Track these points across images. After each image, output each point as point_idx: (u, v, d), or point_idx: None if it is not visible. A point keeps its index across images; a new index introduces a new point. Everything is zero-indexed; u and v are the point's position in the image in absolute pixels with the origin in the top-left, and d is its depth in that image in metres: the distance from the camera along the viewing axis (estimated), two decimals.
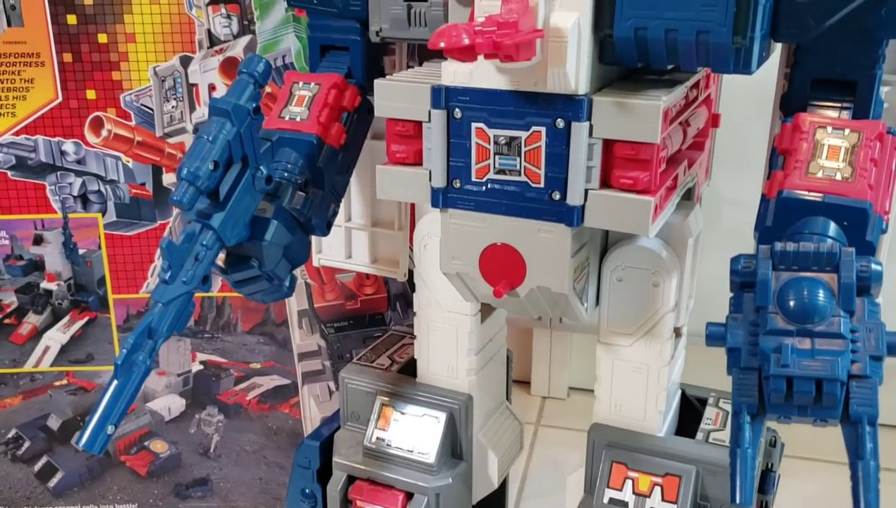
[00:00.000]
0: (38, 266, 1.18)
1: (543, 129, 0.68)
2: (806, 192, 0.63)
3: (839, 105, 0.70)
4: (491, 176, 0.71)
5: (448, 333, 0.89)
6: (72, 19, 1.07)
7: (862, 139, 0.65)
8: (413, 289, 0.91)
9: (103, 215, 1.15)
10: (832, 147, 0.65)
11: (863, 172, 0.64)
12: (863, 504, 0.52)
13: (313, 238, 0.85)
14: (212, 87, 1.10)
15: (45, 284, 1.19)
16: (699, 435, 0.83)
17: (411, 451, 0.88)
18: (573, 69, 0.64)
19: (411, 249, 0.92)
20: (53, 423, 1.25)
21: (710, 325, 0.59)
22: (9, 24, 1.07)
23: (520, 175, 0.70)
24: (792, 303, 0.56)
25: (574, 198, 0.68)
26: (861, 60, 0.68)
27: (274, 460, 1.27)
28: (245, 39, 1.08)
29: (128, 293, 1.19)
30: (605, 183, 0.69)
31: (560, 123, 0.67)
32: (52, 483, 1.27)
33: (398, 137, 0.75)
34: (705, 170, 0.89)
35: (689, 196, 0.82)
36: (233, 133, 0.71)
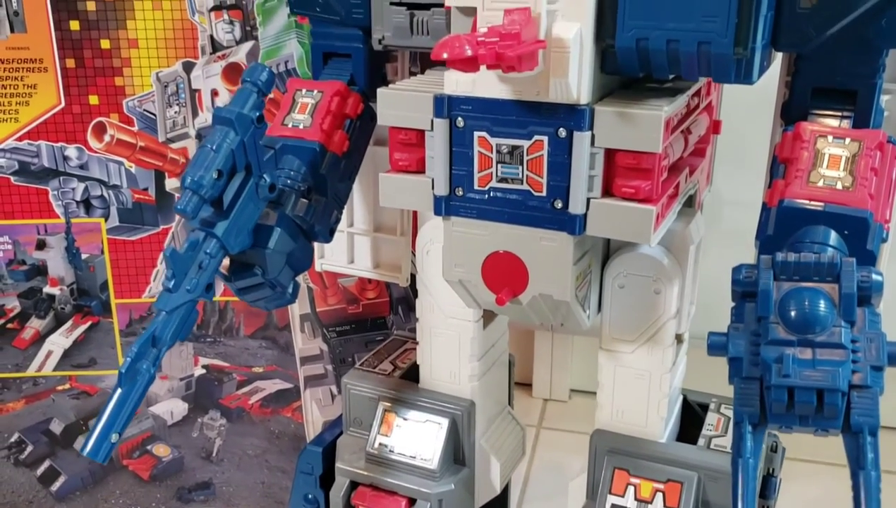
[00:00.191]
0: (40, 271, 1.18)
1: (545, 138, 0.68)
2: (807, 201, 0.64)
3: (840, 114, 0.70)
4: (493, 184, 0.71)
5: (450, 339, 0.89)
6: (75, 25, 1.07)
7: (862, 148, 0.65)
8: (415, 294, 0.91)
9: (106, 220, 1.15)
10: (833, 156, 0.66)
11: (863, 181, 0.64)
12: None
13: (316, 243, 0.85)
14: (214, 93, 1.10)
15: (47, 289, 1.19)
16: (701, 441, 0.84)
17: (414, 457, 0.88)
18: (575, 79, 0.65)
19: (413, 253, 0.92)
20: (56, 427, 1.25)
21: (711, 335, 0.60)
22: (12, 30, 1.07)
23: (522, 183, 0.70)
24: (793, 313, 0.56)
25: (576, 207, 0.68)
26: (861, 70, 0.68)
27: (276, 464, 1.27)
28: (247, 45, 1.08)
29: (130, 298, 1.19)
30: (607, 191, 0.69)
31: (562, 133, 0.67)
32: (55, 487, 1.27)
33: (401, 145, 0.75)
34: (706, 177, 0.89)
35: (690, 203, 0.83)
36: (236, 142, 0.72)
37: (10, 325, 1.21)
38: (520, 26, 0.61)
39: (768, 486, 0.89)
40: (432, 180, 0.74)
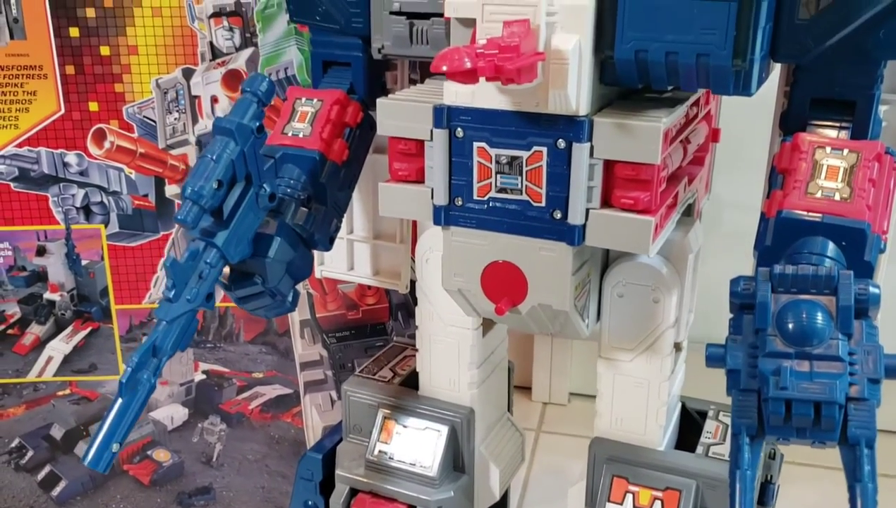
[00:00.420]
0: (41, 277, 1.18)
1: (545, 149, 0.68)
2: (805, 212, 0.64)
3: (838, 124, 0.70)
4: (492, 194, 0.71)
5: (450, 346, 0.89)
6: (74, 32, 1.08)
7: (860, 159, 0.65)
8: (414, 300, 0.91)
9: (106, 226, 1.15)
10: (831, 167, 0.66)
11: (861, 193, 0.64)
12: None
13: (315, 251, 0.86)
14: (214, 99, 1.11)
15: (48, 295, 1.19)
16: (699, 449, 0.84)
17: (413, 464, 0.88)
18: (574, 90, 0.65)
19: (413, 260, 0.92)
20: (56, 433, 1.25)
21: (709, 346, 0.60)
22: (11, 37, 1.07)
23: (521, 194, 0.70)
24: (791, 326, 0.57)
25: (575, 218, 0.69)
26: (859, 81, 0.69)
27: (276, 469, 1.28)
28: (247, 52, 1.08)
29: (130, 303, 1.19)
30: (606, 202, 0.69)
31: (561, 144, 0.67)
32: (56, 492, 1.27)
33: (400, 155, 0.76)
34: (705, 185, 0.89)
35: (689, 212, 0.83)
36: (236, 152, 0.72)
37: (10, 331, 1.21)
38: (519, 38, 0.61)
39: (766, 493, 0.89)
40: (432, 190, 0.74)
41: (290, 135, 0.83)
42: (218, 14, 1.07)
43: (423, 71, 0.95)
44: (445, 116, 0.71)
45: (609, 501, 0.81)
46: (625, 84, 0.68)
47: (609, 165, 0.68)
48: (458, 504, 0.89)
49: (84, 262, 1.17)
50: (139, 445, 1.26)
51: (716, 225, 1.39)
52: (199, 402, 1.25)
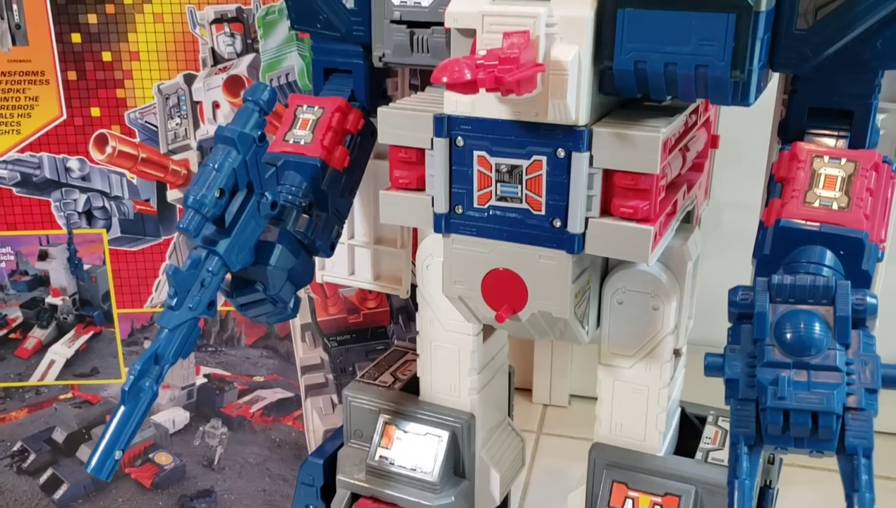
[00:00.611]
0: (43, 281, 1.19)
1: (544, 158, 0.68)
2: (803, 222, 0.64)
3: (836, 133, 0.71)
4: (493, 202, 0.72)
5: (450, 352, 0.90)
6: (76, 38, 1.08)
7: (858, 169, 0.66)
8: (415, 304, 0.92)
9: (108, 231, 1.16)
10: (829, 176, 0.66)
11: (859, 202, 0.65)
12: None
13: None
14: (216, 105, 1.11)
15: (50, 299, 1.20)
16: (698, 455, 0.85)
17: (414, 469, 0.89)
18: (573, 101, 0.65)
19: (413, 264, 0.93)
20: (58, 436, 1.26)
21: (708, 356, 0.60)
22: (14, 43, 1.08)
23: (521, 202, 0.71)
24: (789, 336, 0.57)
25: (575, 226, 0.69)
26: (857, 90, 0.69)
27: (277, 472, 1.28)
28: (248, 58, 1.09)
29: (132, 308, 1.20)
30: (606, 211, 0.70)
31: (561, 153, 0.68)
32: (58, 495, 1.28)
33: (401, 163, 0.76)
34: (704, 191, 0.90)
35: (688, 218, 0.83)
36: (238, 161, 0.72)
37: (12, 335, 1.21)
38: (519, 50, 0.62)
39: (765, 498, 0.90)
40: (432, 198, 0.74)
41: (291, 142, 0.83)
42: (219, 20, 1.07)
43: (423, 77, 0.96)
44: (446, 125, 0.71)
45: (609, 506, 0.82)
46: (624, 94, 0.68)
47: (608, 174, 0.68)
48: None
49: (86, 267, 1.18)
50: (141, 448, 1.27)
51: (715, 225, 1.39)
52: (201, 406, 1.25)
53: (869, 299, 0.58)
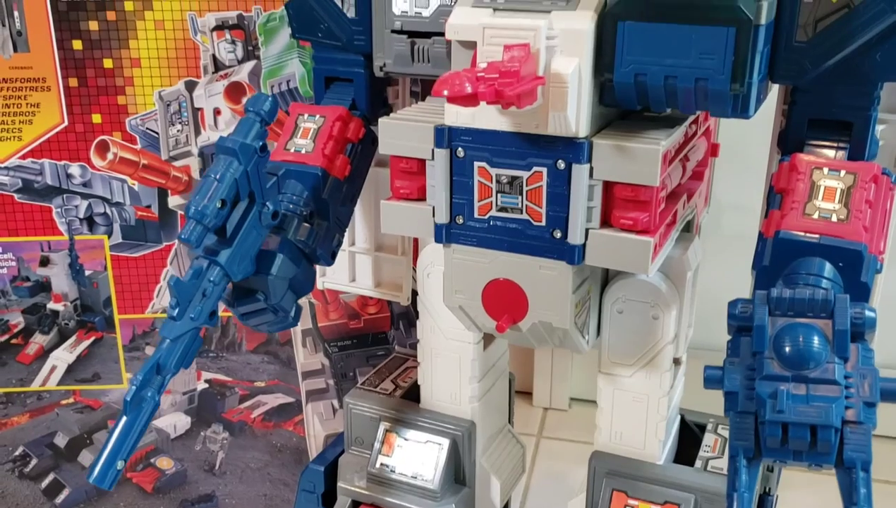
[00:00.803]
0: (44, 287, 1.19)
1: (545, 170, 0.69)
2: (803, 233, 0.65)
3: (835, 145, 0.71)
4: (493, 213, 0.72)
5: (451, 360, 0.90)
6: (77, 45, 1.08)
7: (857, 181, 0.66)
8: (416, 310, 0.92)
9: (109, 237, 1.16)
10: (828, 188, 0.67)
11: (858, 214, 0.65)
12: None
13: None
14: (217, 112, 1.11)
15: (51, 305, 1.20)
16: (698, 463, 0.85)
17: (415, 477, 0.89)
18: (574, 113, 0.66)
19: (414, 269, 0.93)
20: (60, 441, 1.26)
21: (707, 369, 0.60)
22: (15, 50, 1.08)
23: (521, 213, 0.71)
24: (787, 349, 0.57)
25: (575, 237, 0.69)
26: (856, 102, 0.69)
27: (278, 477, 1.29)
28: (249, 64, 1.09)
29: (133, 313, 1.20)
30: (606, 222, 0.70)
31: (561, 164, 0.68)
32: (59, 499, 1.28)
33: (402, 173, 0.76)
34: (704, 199, 0.90)
35: (688, 228, 0.83)
36: (240, 171, 0.72)
37: (14, 341, 1.22)
38: (519, 63, 0.62)
39: (764, 505, 0.90)
40: (433, 208, 0.74)
41: (292, 151, 0.84)
42: (220, 27, 1.07)
43: (424, 84, 0.96)
44: (446, 136, 0.71)
45: None
46: (624, 106, 0.68)
47: (608, 186, 0.69)
48: None
49: (87, 273, 1.18)
50: (142, 453, 1.27)
51: (715, 228, 1.39)
52: (202, 411, 1.26)
53: (867, 313, 0.58)
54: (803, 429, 0.55)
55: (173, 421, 1.26)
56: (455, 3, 0.74)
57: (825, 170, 0.67)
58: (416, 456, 0.90)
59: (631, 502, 0.82)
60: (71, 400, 1.25)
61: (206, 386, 1.25)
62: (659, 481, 0.82)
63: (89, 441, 1.26)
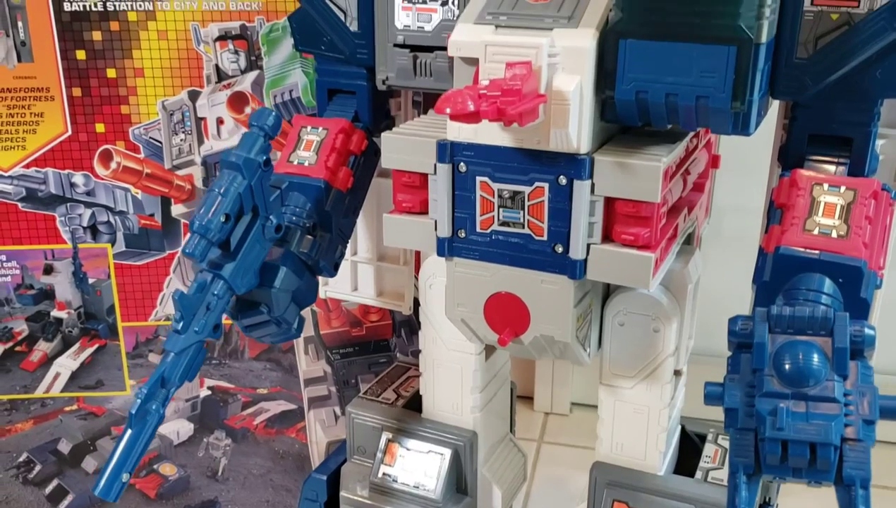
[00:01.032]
0: (48, 295, 1.20)
1: (546, 185, 0.69)
2: (803, 249, 0.65)
3: (836, 160, 0.72)
4: (495, 227, 0.73)
5: (453, 371, 0.90)
6: (81, 55, 1.09)
7: (857, 197, 0.67)
8: (418, 318, 0.93)
9: (113, 245, 1.17)
10: (828, 204, 0.67)
11: (858, 230, 0.65)
12: None
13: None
14: (220, 121, 1.12)
15: (55, 312, 1.21)
16: (698, 474, 0.85)
17: (417, 487, 0.90)
18: (575, 129, 0.66)
19: (416, 278, 0.94)
20: (64, 447, 1.27)
21: (708, 385, 0.61)
22: (19, 60, 1.08)
23: (523, 227, 0.72)
24: (787, 367, 0.58)
25: (576, 252, 0.70)
26: (857, 118, 0.70)
27: (281, 483, 1.29)
28: (252, 74, 1.09)
29: (137, 321, 1.21)
30: (607, 237, 0.70)
31: (562, 180, 0.68)
32: (63, 505, 1.29)
33: (405, 187, 0.77)
34: (705, 211, 0.90)
35: (689, 240, 0.84)
36: (244, 186, 0.73)
37: (18, 348, 1.22)
38: (521, 81, 0.62)
39: None
40: (435, 222, 0.75)
41: (295, 163, 0.84)
42: (223, 37, 1.08)
43: (426, 96, 0.96)
44: (449, 151, 0.72)
45: None
46: (625, 122, 0.69)
47: (610, 201, 0.69)
48: None
49: (91, 281, 1.18)
50: (145, 459, 1.27)
51: (717, 230, 1.39)
52: (205, 417, 1.26)
53: (867, 331, 0.58)
54: (803, 447, 0.55)
55: (176, 427, 1.26)
56: (457, 18, 0.74)
57: (825, 186, 0.68)
58: (418, 466, 0.90)
59: None
60: (74, 407, 1.25)
61: (209, 392, 1.25)
62: (660, 492, 0.82)
63: (93, 448, 1.27)
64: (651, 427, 0.83)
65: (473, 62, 0.69)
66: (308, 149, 0.85)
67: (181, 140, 1.12)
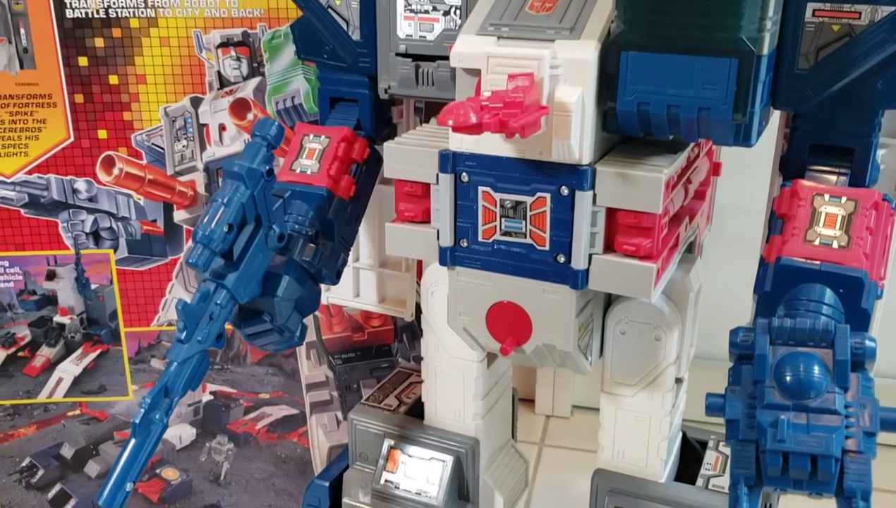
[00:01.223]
0: (51, 300, 1.20)
1: (548, 196, 0.69)
2: (804, 260, 0.65)
3: (837, 170, 0.72)
4: (497, 237, 0.73)
5: (455, 378, 0.91)
6: (83, 61, 1.09)
7: (858, 208, 0.67)
8: (419, 324, 0.93)
9: (115, 251, 1.17)
10: (829, 215, 0.67)
11: (859, 241, 0.65)
12: None
13: None
14: (222, 127, 1.12)
15: (58, 318, 1.21)
16: (699, 481, 0.86)
17: (419, 493, 0.90)
18: (577, 140, 0.66)
19: (419, 284, 0.94)
20: (67, 452, 1.27)
21: (709, 396, 0.61)
22: (22, 67, 1.09)
23: (525, 237, 0.72)
24: (788, 378, 0.58)
25: (578, 263, 0.70)
26: (858, 129, 0.70)
27: (283, 487, 1.30)
28: (254, 81, 1.10)
29: (139, 326, 1.21)
30: (609, 247, 0.70)
31: (564, 191, 0.69)
32: None
33: (407, 197, 0.77)
34: (707, 219, 0.91)
35: (690, 248, 0.84)
36: (247, 195, 0.73)
37: (21, 353, 1.23)
38: (523, 92, 0.63)
39: None
40: (437, 231, 0.75)
41: (298, 171, 0.84)
42: (225, 44, 1.08)
43: (428, 104, 0.97)
44: (451, 162, 0.72)
45: None
46: (627, 133, 0.69)
47: (612, 212, 0.69)
48: None
49: (93, 286, 1.19)
50: (148, 464, 1.28)
51: (718, 231, 1.39)
52: (207, 422, 1.27)
53: (868, 342, 0.59)
54: (804, 459, 0.56)
55: (179, 432, 1.27)
56: (459, 28, 0.75)
57: (826, 196, 0.68)
58: (420, 473, 0.91)
59: None
60: (77, 412, 1.26)
61: (212, 397, 1.26)
62: (661, 499, 0.82)
63: (95, 453, 1.27)
64: (652, 435, 0.83)
65: (476, 73, 0.69)
66: (310, 158, 0.85)
67: (183, 146, 1.13)
